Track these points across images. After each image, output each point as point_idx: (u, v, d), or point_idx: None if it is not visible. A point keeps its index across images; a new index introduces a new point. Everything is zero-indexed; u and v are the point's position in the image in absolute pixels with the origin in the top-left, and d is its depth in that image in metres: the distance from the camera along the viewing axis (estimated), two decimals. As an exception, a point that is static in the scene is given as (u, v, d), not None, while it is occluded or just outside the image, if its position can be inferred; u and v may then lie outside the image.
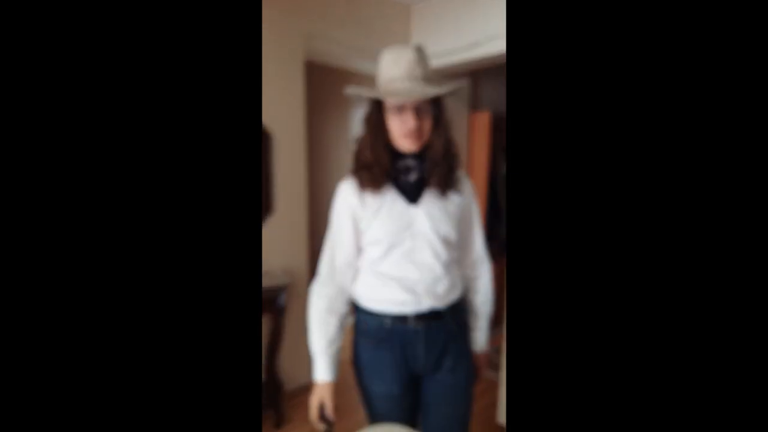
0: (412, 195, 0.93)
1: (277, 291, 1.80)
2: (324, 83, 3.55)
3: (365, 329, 0.98)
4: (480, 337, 1.07)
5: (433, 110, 0.90)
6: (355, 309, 1.00)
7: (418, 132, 0.88)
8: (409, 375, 0.97)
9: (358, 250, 0.97)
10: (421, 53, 0.89)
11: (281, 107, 1.88)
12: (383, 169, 0.91)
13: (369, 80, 3.03)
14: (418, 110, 0.87)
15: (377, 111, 0.92)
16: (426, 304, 0.93)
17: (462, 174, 1.01)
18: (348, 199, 0.96)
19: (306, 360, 2.22)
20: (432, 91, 0.87)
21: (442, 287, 0.94)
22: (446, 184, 0.94)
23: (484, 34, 2.09)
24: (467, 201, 1.01)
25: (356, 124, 3.34)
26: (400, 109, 0.87)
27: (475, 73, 2.76)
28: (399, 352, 0.95)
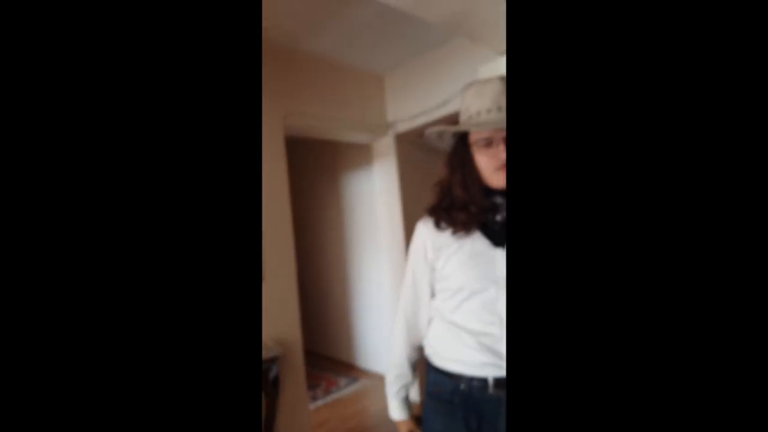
0: (498, 236, 0.83)
1: (269, 363, 1.77)
2: (308, 154, 3.72)
3: (436, 392, 0.88)
4: None
5: None
6: (426, 365, 0.92)
7: None
8: None
9: (433, 294, 0.91)
10: (505, 84, 0.83)
11: (265, 183, 1.95)
12: (479, 207, 0.84)
13: (350, 148, 3.18)
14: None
15: (463, 148, 0.86)
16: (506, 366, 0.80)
17: None
18: (423, 239, 0.90)
19: (306, 435, 2.13)
20: None
21: None
22: None
23: (454, 92, 2.22)
24: None
25: (347, 185, 3.45)
26: (488, 142, 0.81)
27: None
28: (475, 422, 0.82)
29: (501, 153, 0.80)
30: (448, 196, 0.87)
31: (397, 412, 0.98)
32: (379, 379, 3.17)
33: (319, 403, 2.86)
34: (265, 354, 1.77)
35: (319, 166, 3.66)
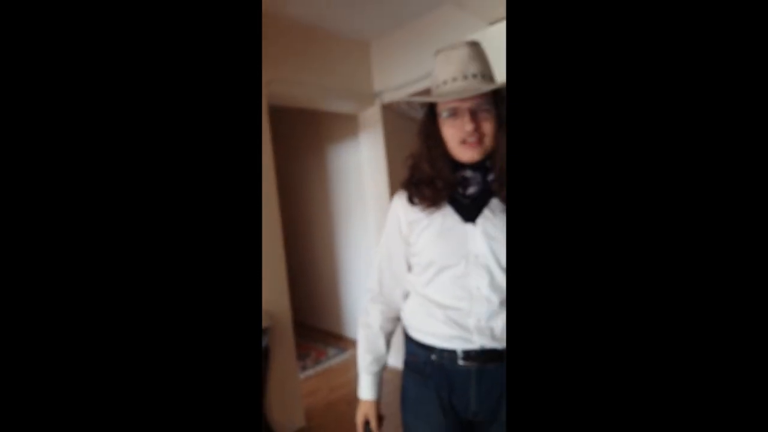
0: (468, 211, 0.81)
1: (258, 334, 1.78)
2: (293, 124, 3.65)
3: (412, 361, 0.89)
4: None
5: (495, 112, 0.78)
6: (405, 336, 0.92)
7: (476, 137, 0.77)
8: (458, 421, 0.84)
9: (409, 268, 0.90)
10: (476, 49, 0.79)
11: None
12: (445, 182, 0.81)
13: (336, 118, 3.11)
14: (475, 112, 0.76)
15: (430, 119, 0.83)
16: (478, 341, 0.79)
17: None
18: (398, 213, 0.89)
19: (297, 404, 2.17)
20: (486, 86, 0.75)
21: (500, 325, 0.78)
22: None
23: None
24: None
25: (333, 157, 3.40)
26: (454, 113, 0.77)
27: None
28: (446, 392, 0.83)
29: (466, 124, 0.76)
30: (417, 170, 0.85)
31: (365, 389, 0.94)
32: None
33: (309, 372, 2.91)
34: (254, 325, 1.77)
35: (305, 137, 3.59)
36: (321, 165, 3.49)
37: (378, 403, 0.95)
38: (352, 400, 2.46)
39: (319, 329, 3.72)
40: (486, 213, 0.80)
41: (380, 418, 0.96)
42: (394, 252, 0.91)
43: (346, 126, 3.09)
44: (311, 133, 3.51)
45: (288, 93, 2.17)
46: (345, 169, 3.25)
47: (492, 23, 1.78)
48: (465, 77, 0.77)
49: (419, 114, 0.88)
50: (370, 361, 0.94)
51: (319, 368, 2.98)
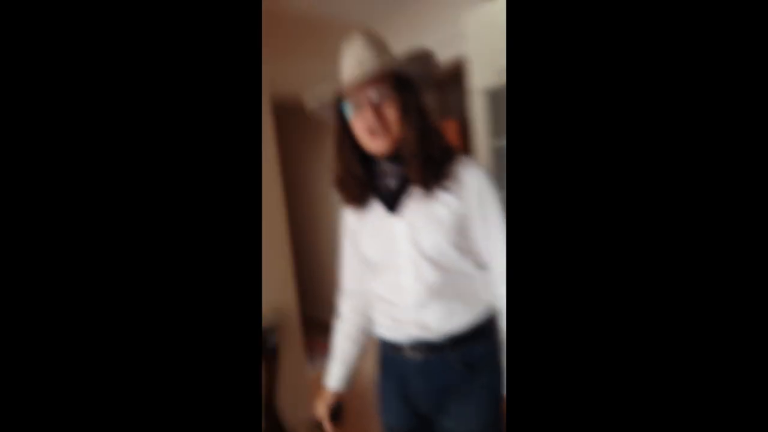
0: (391, 203, 0.80)
1: (267, 332, 1.78)
2: (297, 117, 3.60)
3: (378, 354, 0.92)
4: None
5: (399, 97, 0.76)
6: None
7: (380, 128, 0.75)
8: (413, 412, 0.85)
9: (367, 270, 0.90)
10: (369, 37, 0.77)
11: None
12: (357, 179, 0.81)
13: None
14: (377, 103, 0.75)
15: (342, 122, 0.81)
16: (411, 333, 0.80)
17: (463, 166, 0.78)
18: (346, 217, 0.91)
19: (307, 400, 2.17)
20: (373, 64, 0.73)
21: (431, 316, 0.78)
22: (429, 180, 0.76)
23: (440, 45, 2.13)
24: (472, 200, 0.77)
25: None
26: (359, 106, 0.76)
27: (440, 82, 2.78)
28: (398, 383, 0.86)
29: (367, 116, 0.75)
30: (335, 171, 0.86)
31: (331, 378, 0.95)
32: (375, 342, 3.22)
33: (320, 366, 2.91)
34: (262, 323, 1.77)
35: (310, 129, 3.55)
36: (326, 156, 3.46)
37: (338, 393, 0.95)
38: (363, 392, 2.47)
39: (330, 323, 3.72)
40: (408, 204, 0.79)
41: (339, 409, 0.97)
42: (349, 257, 0.93)
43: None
44: (316, 125, 3.46)
45: (292, 86, 2.13)
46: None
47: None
48: (361, 65, 0.75)
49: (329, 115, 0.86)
50: (338, 356, 0.96)
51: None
